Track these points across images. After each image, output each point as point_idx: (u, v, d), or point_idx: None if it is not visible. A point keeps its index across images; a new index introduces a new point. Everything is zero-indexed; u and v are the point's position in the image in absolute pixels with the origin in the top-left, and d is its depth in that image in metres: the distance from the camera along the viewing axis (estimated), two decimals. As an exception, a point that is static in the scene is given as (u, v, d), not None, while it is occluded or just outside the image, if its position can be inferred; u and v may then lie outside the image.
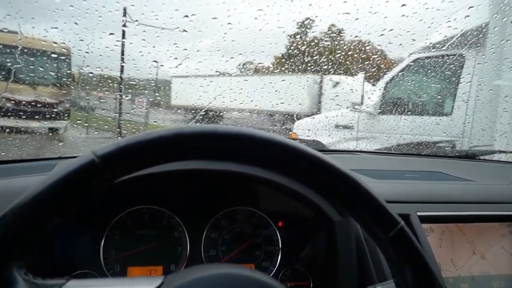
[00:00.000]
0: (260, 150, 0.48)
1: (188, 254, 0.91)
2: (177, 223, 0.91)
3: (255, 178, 0.84)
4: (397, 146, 2.65)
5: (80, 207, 0.49)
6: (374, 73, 3.99)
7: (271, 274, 0.94)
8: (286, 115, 4.23)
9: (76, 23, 1.64)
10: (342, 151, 1.98)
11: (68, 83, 3.23)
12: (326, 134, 3.94)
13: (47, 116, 2.84)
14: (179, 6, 1.83)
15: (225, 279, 0.47)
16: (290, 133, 4.02)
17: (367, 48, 3.27)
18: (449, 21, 2.90)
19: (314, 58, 3.24)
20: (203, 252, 0.92)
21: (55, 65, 2.77)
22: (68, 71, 2.97)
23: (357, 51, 3.22)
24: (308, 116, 4.46)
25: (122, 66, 2.29)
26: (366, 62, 3.39)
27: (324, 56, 3.25)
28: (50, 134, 3.01)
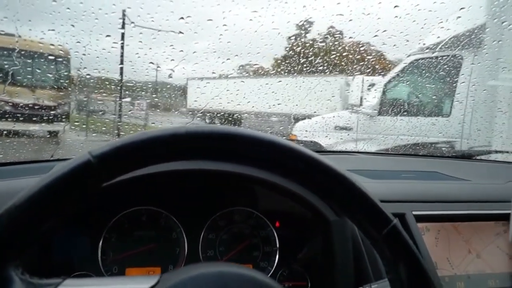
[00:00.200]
0: (256, 150, 0.48)
1: (186, 254, 0.91)
2: (175, 224, 0.92)
3: (252, 179, 0.85)
4: (396, 147, 2.65)
5: (76, 207, 0.49)
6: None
7: (269, 274, 0.94)
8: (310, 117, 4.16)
9: (73, 25, 1.64)
10: (339, 152, 1.98)
11: (66, 85, 3.23)
12: (328, 136, 3.93)
13: (45, 118, 2.84)
14: (174, 8, 1.84)
15: (221, 277, 0.47)
16: (290, 134, 4.02)
17: (366, 49, 3.29)
18: (441, 21, 2.92)
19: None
20: (201, 252, 0.92)
21: (52, 67, 2.77)
22: (66, 73, 2.97)
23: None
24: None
25: (121, 68, 2.30)
26: (363, 63, 3.41)
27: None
28: (49, 136, 3.00)
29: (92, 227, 0.88)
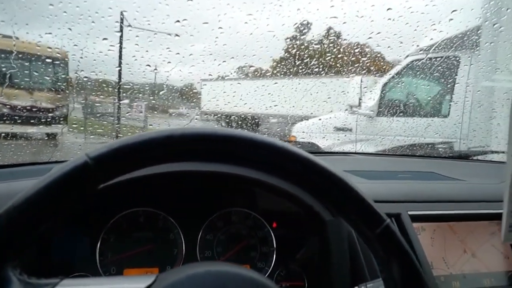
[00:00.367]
0: (252, 152, 0.49)
1: (183, 255, 0.92)
2: (173, 224, 0.92)
3: (249, 180, 0.85)
4: (393, 147, 2.67)
5: (74, 208, 0.50)
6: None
7: (266, 275, 0.94)
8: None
9: (70, 29, 1.65)
10: (337, 152, 1.99)
11: (64, 87, 3.23)
12: (327, 137, 3.94)
13: (43, 121, 2.84)
14: (170, 12, 1.85)
15: (218, 277, 0.47)
16: (289, 136, 4.02)
17: (361, 51, 3.30)
18: (434, 24, 2.94)
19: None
20: (199, 253, 0.93)
21: (50, 69, 2.77)
22: (64, 76, 2.97)
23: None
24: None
25: (119, 71, 2.30)
26: (358, 64, 3.42)
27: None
28: (47, 139, 3.00)
29: (90, 228, 0.88)
